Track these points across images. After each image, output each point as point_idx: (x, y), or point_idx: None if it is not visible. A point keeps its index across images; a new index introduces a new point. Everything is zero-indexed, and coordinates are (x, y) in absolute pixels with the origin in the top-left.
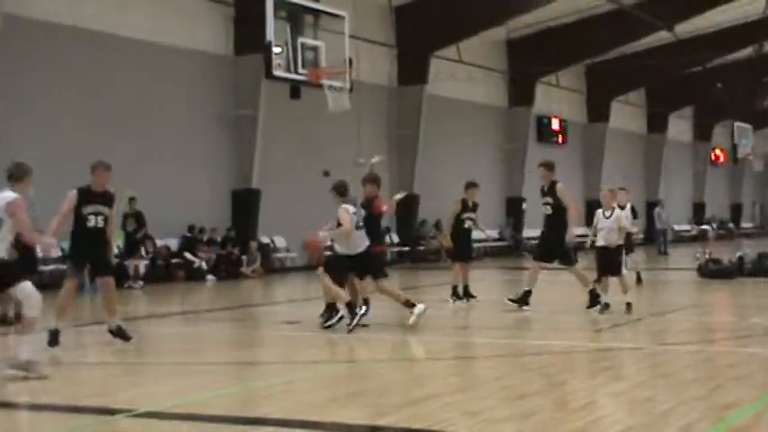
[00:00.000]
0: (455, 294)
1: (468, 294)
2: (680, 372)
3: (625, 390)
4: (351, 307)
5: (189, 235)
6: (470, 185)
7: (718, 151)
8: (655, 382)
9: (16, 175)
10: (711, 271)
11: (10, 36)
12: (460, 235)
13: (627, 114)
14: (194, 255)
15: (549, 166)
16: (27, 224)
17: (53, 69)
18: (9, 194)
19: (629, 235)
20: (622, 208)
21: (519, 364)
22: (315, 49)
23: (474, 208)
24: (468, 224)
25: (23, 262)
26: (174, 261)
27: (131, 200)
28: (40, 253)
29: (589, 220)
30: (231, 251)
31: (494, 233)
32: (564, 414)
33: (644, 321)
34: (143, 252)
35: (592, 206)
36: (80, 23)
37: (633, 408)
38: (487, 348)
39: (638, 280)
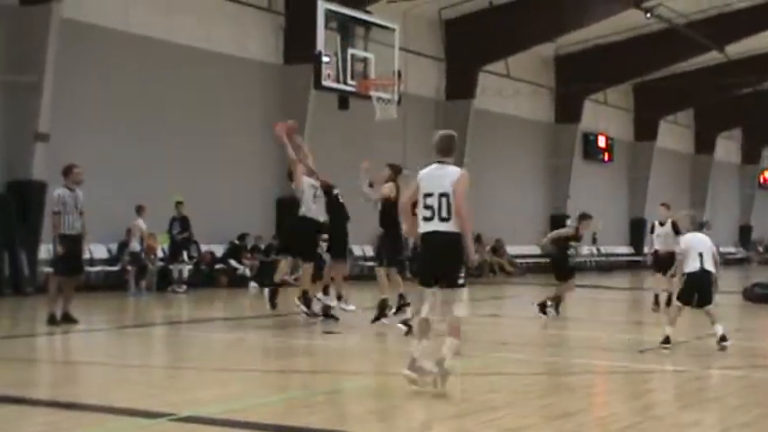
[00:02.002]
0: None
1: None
2: (725, 397)
3: (669, 413)
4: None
5: (238, 243)
6: (584, 217)
7: (767, 174)
8: (699, 407)
9: (448, 149)
10: (757, 295)
11: (67, 40)
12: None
13: (674, 134)
14: (239, 262)
15: (394, 168)
16: (463, 200)
17: (105, 73)
18: (455, 168)
19: (672, 254)
20: (662, 225)
21: (561, 382)
22: (364, 60)
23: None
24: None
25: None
26: (217, 267)
27: (178, 203)
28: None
29: (635, 239)
30: (275, 259)
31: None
32: None
33: (688, 344)
34: (185, 257)
35: (636, 225)
36: (133, 29)
37: None
38: (530, 366)
39: (656, 302)
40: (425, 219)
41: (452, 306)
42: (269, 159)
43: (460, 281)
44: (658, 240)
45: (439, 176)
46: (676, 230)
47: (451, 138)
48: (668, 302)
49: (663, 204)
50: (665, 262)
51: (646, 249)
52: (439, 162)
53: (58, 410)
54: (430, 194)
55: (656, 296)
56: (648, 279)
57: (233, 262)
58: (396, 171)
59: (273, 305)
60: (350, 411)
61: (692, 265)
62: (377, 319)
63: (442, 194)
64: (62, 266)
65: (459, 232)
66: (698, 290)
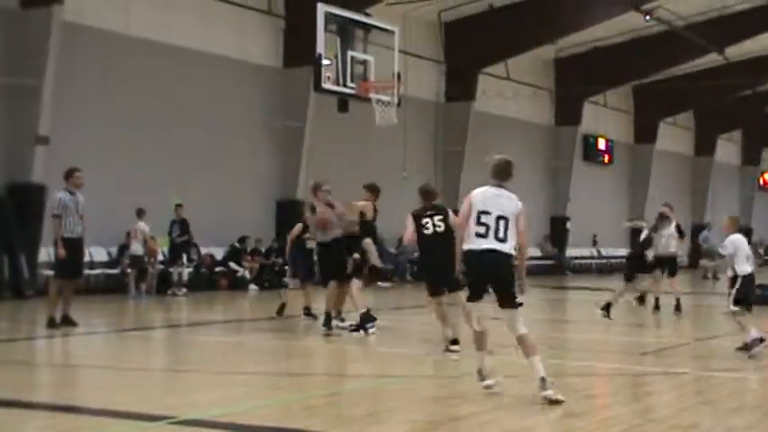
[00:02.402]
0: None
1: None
2: (725, 399)
3: (669, 415)
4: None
5: (238, 245)
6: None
7: (767, 176)
8: (699, 409)
9: (506, 174)
10: (758, 297)
11: (67, 43)
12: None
13: (674, 136)
14: (239, 264)
15: (372, 189)
16: (527, 233)
17: (105, 76)
18: (514, 196)
19: (673, 257)
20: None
21: (563, 385)
22: (364, 62)
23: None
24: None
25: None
26: (217, 270)
27: (178, 206)
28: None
29: (635, 241)
30: (275, 261)
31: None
32: None
33: (688, 346)
34: (185, 259)
35: (636, 227)
36: (134, 32)
37: None
38: (530, 368)
39: (656, 306)
40: (478, 235)
41: (515, 326)
42: (269, 162)
43: (518, 300)
44: (661, 242)
45: (497, 197)
46: (681, 233)
47: (509, 164)
48: (677, 308)
49: (666, 205)
50: (665, 264)
51: (649, 255)
52: (495, 186)
53: (58, 414)
54: (487, 213)
55: (657, 299)
56: (645, 280)
57: (233, 265)
58: (374, 192)
59: (330, 327)
60: (349, 414)
61: (743, 268)
62: (358, 329)
63: (500, 217)
64: (62, 269)
65: (513, 254)
66: (752, 292)
